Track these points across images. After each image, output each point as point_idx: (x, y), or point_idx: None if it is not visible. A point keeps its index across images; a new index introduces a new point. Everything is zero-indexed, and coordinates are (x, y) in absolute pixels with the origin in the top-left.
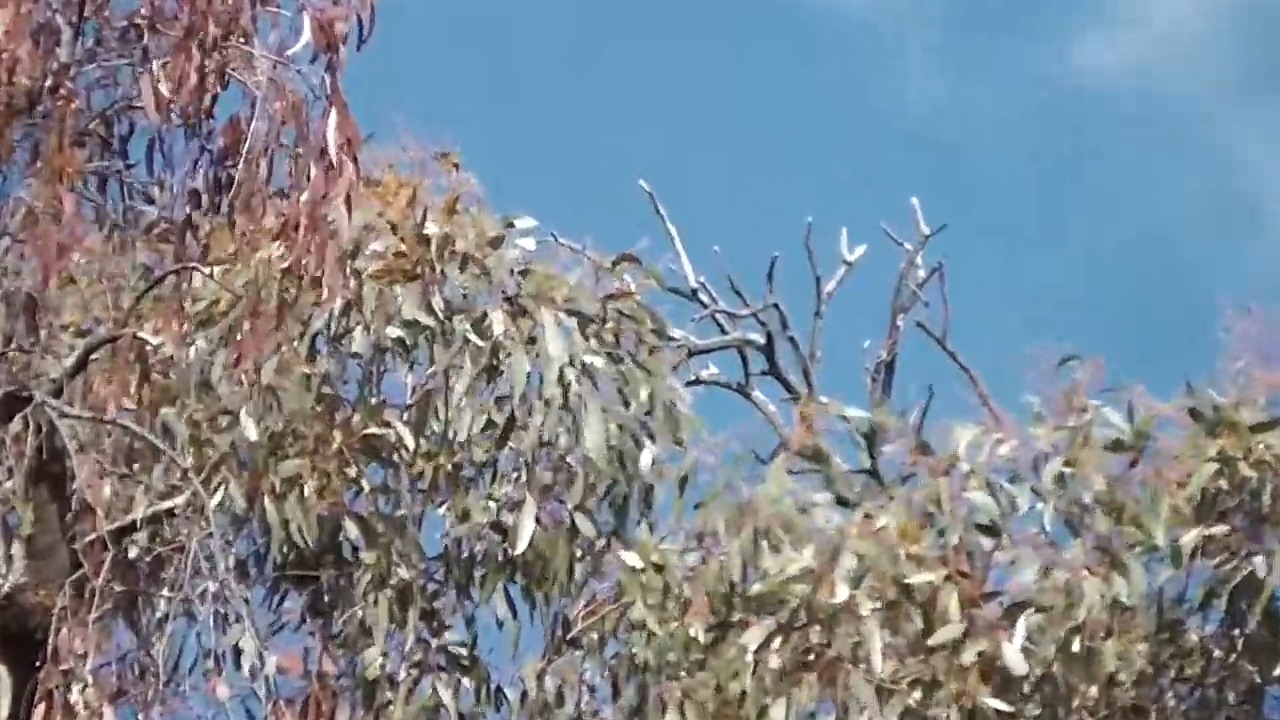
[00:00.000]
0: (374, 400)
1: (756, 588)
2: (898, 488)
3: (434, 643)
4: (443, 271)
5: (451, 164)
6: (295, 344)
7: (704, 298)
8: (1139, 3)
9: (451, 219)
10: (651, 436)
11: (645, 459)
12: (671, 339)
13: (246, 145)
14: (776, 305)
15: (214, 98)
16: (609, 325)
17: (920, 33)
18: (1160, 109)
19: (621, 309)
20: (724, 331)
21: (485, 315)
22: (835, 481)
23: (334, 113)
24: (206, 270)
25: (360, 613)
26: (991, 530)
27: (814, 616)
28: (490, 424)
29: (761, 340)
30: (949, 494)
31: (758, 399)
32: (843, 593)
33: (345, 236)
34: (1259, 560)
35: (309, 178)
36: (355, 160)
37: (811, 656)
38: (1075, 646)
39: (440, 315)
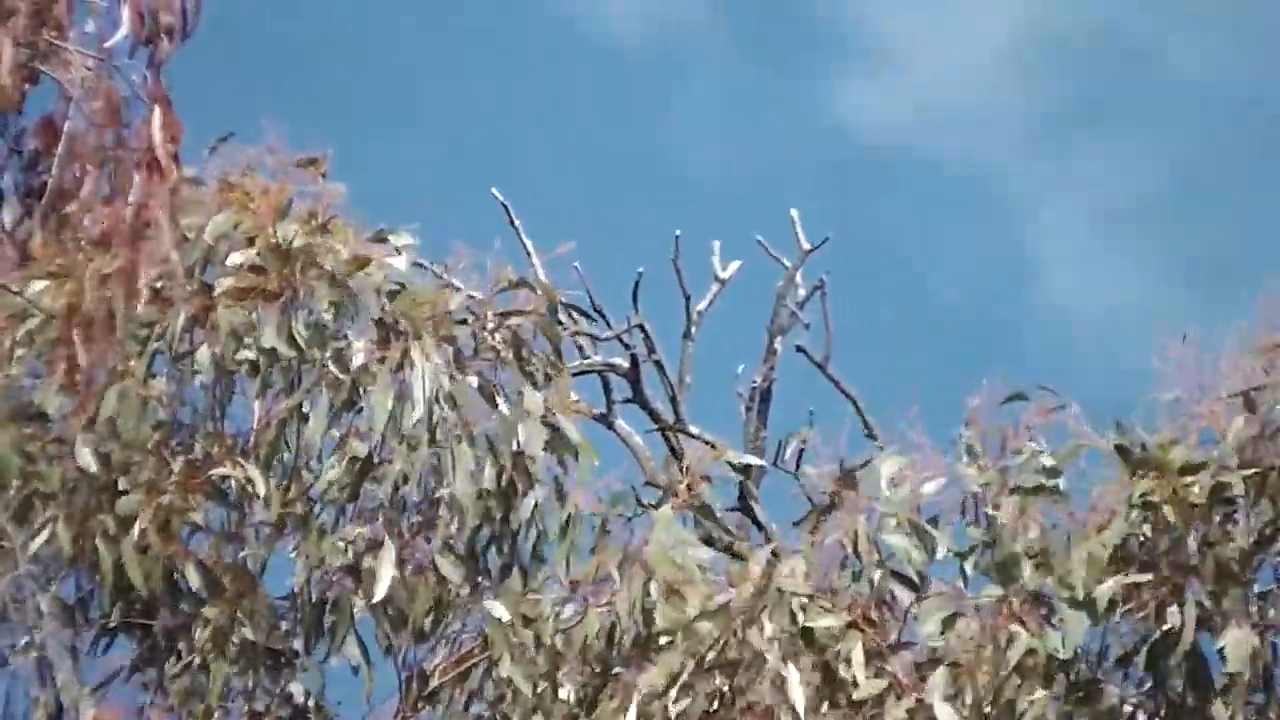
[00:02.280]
0: (217, 431)
1: (661, 622)
2: (813, 523)
3: (277, 692)
4: (308, 293)
5: (319, 172)
6: (132, 363)
7: (562, 318)
8: (904, 48)
9: (319, 232)
10: (528, 476)
11: (528, 504)
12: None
13: (60, 147)
14: (642, 326)
15: (23, 94)
16: (501, 343)
17: (703, 70)
18: (933, 162)
19: (517, 329)
20: (584, 355)
21: (347, 343)
22: (714, 530)
23: (157, 111)
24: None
25: (195, 666)
26: (913, 579)
27: (724, 659)
28: (353, 460)
29: (626, 365)
30: (866, 535)
31: (621, 429)
32: (765, 633)
33: (167, 245)
34: (1185, 612)
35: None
36: (178, 160)
37: (720, 707)
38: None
39: (303, 343)
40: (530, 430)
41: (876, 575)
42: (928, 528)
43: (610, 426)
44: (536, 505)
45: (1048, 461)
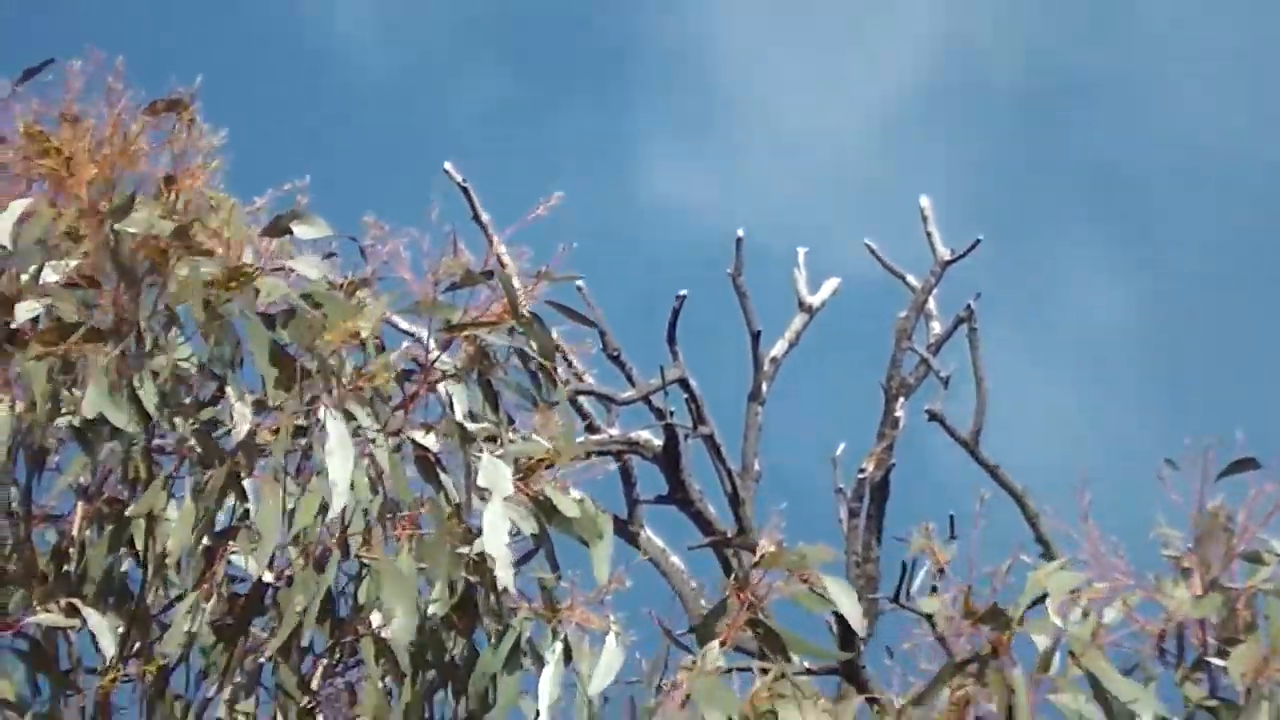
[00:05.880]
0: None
1: None
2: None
3: None
4: (159, 325)
5: (187, 120)
6: None
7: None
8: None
9: (183, 220)
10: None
11: (505, 645)
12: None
13: None
14: (685, 382)
15: None
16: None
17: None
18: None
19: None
20: (591, 428)
21: (218, 404)
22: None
23: None
24: None
25: None
26: None
27: None
28: (234, 600)
29: (658, 442)
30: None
31: (649, 544)
32: None
33: None
34: None
35: None
36: None
37: None
38: None
39: (152, 409)
40: (494, 516)
41: None
42: (1121, 681)
43: (633, 539)
44: (518, 645)
45: None
